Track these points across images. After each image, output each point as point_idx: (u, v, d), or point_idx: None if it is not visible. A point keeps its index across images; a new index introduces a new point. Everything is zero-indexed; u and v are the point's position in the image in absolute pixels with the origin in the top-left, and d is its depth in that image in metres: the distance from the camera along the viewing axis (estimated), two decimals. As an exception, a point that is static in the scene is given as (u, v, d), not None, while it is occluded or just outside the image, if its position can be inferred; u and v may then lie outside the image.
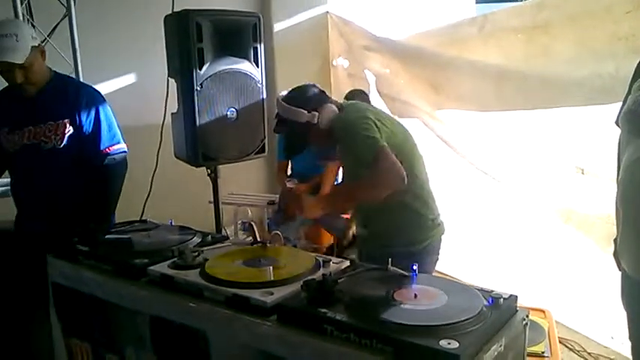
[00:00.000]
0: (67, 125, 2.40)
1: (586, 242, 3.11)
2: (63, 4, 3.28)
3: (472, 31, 3.64)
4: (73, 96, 2.46)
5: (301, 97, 2.19)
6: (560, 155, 3.26)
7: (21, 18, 3.09)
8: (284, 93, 2.23)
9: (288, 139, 2.31)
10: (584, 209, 3.12)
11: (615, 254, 1.66)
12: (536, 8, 3.19)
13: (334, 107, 2.16)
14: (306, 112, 2.12)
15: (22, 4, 3.11)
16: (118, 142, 2.55)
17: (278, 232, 1.92)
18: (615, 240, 1.65)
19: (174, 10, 2.65)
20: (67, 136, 2.40)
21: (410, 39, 4.44)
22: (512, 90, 3.37)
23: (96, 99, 2.52)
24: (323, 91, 2.26)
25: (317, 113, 2.12)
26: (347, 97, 3.77)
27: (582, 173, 3.13)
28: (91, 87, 2.59)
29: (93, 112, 2.47)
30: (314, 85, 2.26)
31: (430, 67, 4.05)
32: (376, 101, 4.48)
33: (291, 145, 2.32)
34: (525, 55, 3.30)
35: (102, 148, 2.50)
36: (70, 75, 3.25)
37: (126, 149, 2.58)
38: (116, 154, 2.54)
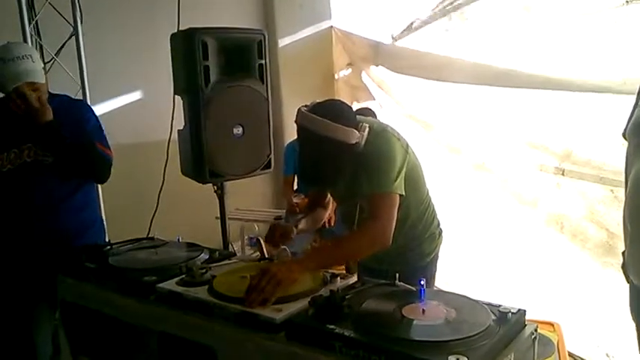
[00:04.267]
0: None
1: (582, 254, 3.11)
2: (70, 24, 3.31)
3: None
4: (75, 112, 2.46)
5: (346, 113, 1.87)
6: (541, 156, 3.29)
7: (29, 37, 3.12)
8: (306, 107, 1.86)
9: (324, 167, 1.86)
10: (575, 213, 3.13)
11: (624, 267, 1.66)
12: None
13: (367, 126, 1.86)
14: (357, 131, 1.81)
15: (29, 24, 3.15)
16: (110, 153, 2.50)
17: (285, 247, 1.92)
18: (623, 253, 1.64)
19: (180, 28, 2.67)
20: None
21: (407, 42, 4.50)
22: (509, 88, 3.39)
23: (94, 115, 2.55)
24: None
25: (363, 133, 1.83)
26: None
27: (562, 174, 3.15)
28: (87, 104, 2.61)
29: (97, 127, 2.50)
30: (340, 101, 2.00)
31: (429, 71, 4.08)
32: (379, 112, 4.51)
33: (327, 173, 1.88)
34: (520, 53, 3.34)
35: (96, 141, 2.43)
36: (78, 93, 3.30)
37: (109, 155, 2.49)
38: (106, 154, 2.47)
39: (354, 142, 1.79)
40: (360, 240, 1.81)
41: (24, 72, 2.23)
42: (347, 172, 1.90)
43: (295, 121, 1.87)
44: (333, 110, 1.83)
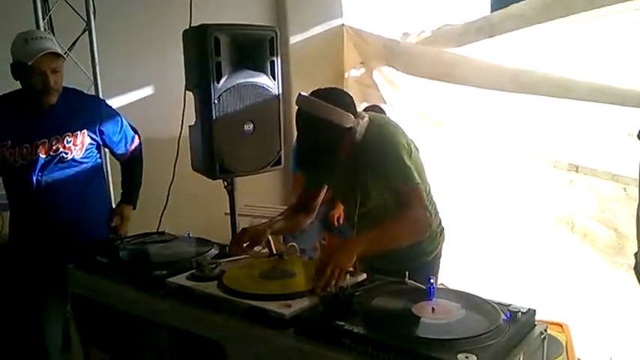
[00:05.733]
0: (85, 135, 2.44)
1: (591, 254, 3.10)
2: (83, 19, 3.33)
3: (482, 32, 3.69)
4: (93, 108, 2.52)
5: (343, 98, 1.87)
6: (554, 153, 3.29)
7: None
8: (305, 93, 1.87)
9: (318, 146, 1.84)
10: (586, 211, 3.12)
11: (636, 268, 1.65)
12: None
13: (367, 117, 1.89)
14: (352, 115, 1.81)
15: (43, 19, 3.17)
16: (133, 140, 2.73)
17: (294, 243, 1.93)
18: (636, 254, 1.63)
19: (192, 24, 2.67)
20: (85, 145, 2.44)
21: (423, 42, 4.48)
22: (525, 89, 3.37)
23: (112, 109, 2.65)
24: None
25: (360, 121, 1.84)
26: None
27: (576, 171, 3.14)
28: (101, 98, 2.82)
29: (118, 123, 2.60)
30: (342, 89, 1.99)
31: (441, 70, 4.06)
32: (389, 111, 4.50)
33: (319, 154, 1.86)
34: (536, 55, 3.33)
35: (125, 151, 2.70)
36: (90, 88, 3.32)
37: (137, 142, 2.77)
38: (137, 149, 2.75)
39: (348, 125, 1.80)
40: (402, 226, 1.82)
41: (48, 47, 2.27)
42: (342, 157, 1.89)
43: (296, 103, 1.88)
44: (328, 94, 1.86)
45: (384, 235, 1.82)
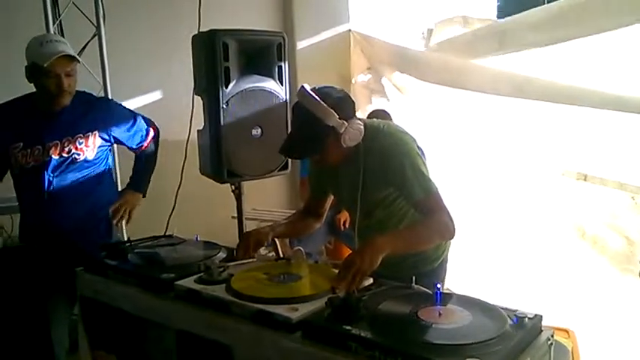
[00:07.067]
0: (97, 137, 2.46)
1: (601, 261, 3.10)
2: (93, 24, 3.37)
3: (492, 43, 3.67)
4: (102, 109, 2.54)
5: (336, 98, 1.85)
6: (562, 161, 3.29)
7: (52, 37, 3.18)
8: (308, 86, 1.87)
9: (298, 136, 1.90)
10: (596, 220, 3.12)
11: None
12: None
13: (361, 126, 1.85)
14: (337, 116, 1.80)
15: (54, 23, 3.20)
16: (148, 133, 2.69)
17: (300, 247, 1.93)
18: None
19: (201, 29, 2.70)
20: (97, 147, 2.46)
21: (431, 48, 4.49)
22: (533, 96, 3.35)
23: (121, 108, 2.66)
24: (354, 104, 1.94)
25: (346, 124, 1.81)
26: (370, 117, 3.76)
27: (585, 180, 3.14)
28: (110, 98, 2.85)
29: (129, 120, 2.60)
30: (347, 93, 1.94)
31: (449, 77, 4.06)
32: (396, 116, 4.51)
33: (297, 143, 1.90)
34: (547, 62, 3.31)
35: (140, 145, 2.69)
36: (100, 92, 3.35)
37: (153, 133, 2.72)
38: (152, 142, 2.73)
39: (330, 124, 1.79)
40: (429, 229, 1.82)
41: (63, 50, 2.29)
42: (331, 158, 1.91)
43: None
44: (324, 90, 1.85)
45: (412, 237, 1.83)
